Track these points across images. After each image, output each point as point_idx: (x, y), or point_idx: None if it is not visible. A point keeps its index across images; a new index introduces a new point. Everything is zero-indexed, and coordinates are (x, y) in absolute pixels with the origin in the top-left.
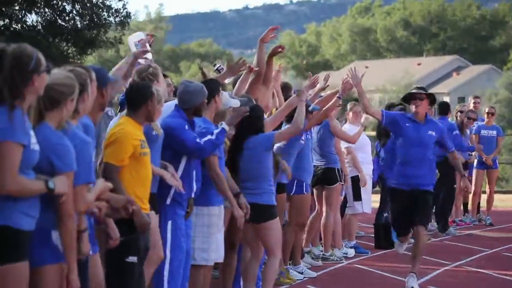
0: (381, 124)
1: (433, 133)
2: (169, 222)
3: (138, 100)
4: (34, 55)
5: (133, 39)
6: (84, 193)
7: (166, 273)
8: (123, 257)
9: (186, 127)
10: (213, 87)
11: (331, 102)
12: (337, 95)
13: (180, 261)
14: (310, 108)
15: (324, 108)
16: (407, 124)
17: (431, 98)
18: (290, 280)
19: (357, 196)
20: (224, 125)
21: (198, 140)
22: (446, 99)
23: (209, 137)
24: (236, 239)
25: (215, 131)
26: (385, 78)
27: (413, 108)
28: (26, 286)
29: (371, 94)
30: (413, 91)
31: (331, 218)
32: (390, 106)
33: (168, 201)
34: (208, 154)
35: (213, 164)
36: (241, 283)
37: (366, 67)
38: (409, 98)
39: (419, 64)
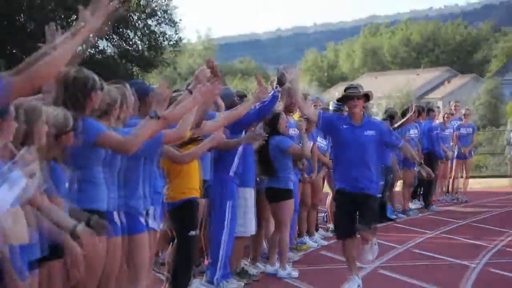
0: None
1: (372, 133)
2: (228, 202)
3: None
4: (90, 76)
5: None
6: None
7: (224, 237)
8: (187, 232)
9: None
10: None
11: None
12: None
13: (233, 231)
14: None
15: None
16: (343, 126)
17: (367, 96)
18: (307, 247)
19: None
20: (276, 92)
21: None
22: (440, 103)
23: (260, 104)
24: (263, 215)
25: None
26: (390, 87)
27: (350, 108)
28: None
29: (379, 100)
30: (349, 91)
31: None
32: (390, 116)
33: (231, 173)
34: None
35: None
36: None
37: (375, 77)
38: (345, 98)
39: (417, 75)
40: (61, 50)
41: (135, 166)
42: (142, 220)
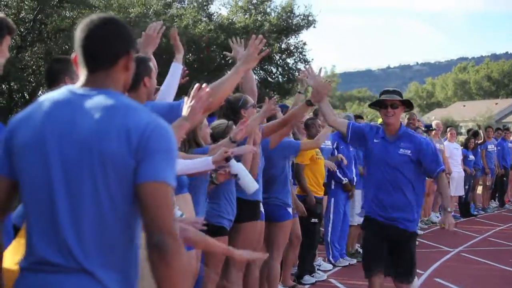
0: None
1: (407, 152)
2: (332, 199)
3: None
4: (242, 97)
5: None
6: None
7: (329, 227)
8: (310, 219)
9: None
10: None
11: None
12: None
13: (338, 221)
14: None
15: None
16: (375, 140)
17: (407, 104)
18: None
19: None
20: None
21: None
22: None
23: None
24: None
25: None
26: (475, 112)
27: (383, 117)
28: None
29: (465, 123)
30: (383, 96)
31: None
32: (474, 134)
33: (333, 186)
34: None
35: None
36: None
37: (464, 105)
38: (379, 105)
39: (496, 104)
40: (230, 82)
41: (283, 166)
42: (290, 210)
